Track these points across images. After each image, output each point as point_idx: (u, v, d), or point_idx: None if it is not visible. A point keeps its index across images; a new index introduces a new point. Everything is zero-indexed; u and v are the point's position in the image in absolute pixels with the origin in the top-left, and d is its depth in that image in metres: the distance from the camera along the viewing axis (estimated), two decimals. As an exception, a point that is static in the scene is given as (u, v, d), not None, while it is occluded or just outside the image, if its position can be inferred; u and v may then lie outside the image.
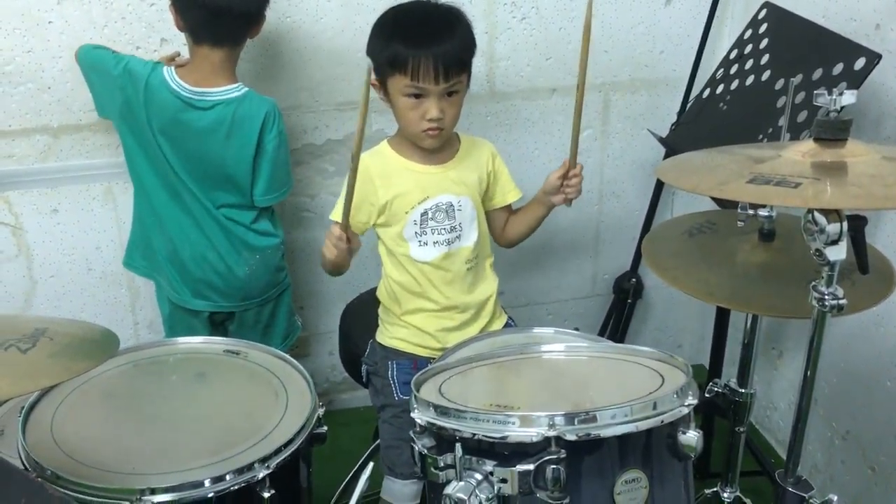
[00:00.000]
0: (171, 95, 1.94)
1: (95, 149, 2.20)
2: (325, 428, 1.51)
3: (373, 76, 1.70)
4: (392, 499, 1.77)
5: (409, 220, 1.75)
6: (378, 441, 1.86)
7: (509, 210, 1.93)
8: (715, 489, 1.78)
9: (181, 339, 1.75)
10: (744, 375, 1.68)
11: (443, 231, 1.77)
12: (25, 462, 1.35)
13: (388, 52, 1.65)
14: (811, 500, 1.35)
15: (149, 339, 2.31)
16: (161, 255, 2.09)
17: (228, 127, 1.95)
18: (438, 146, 1.75)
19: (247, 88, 1.97)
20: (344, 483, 2.10)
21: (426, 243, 1.77)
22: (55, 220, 2.26)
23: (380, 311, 1.92)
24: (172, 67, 1.96)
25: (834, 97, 1.22)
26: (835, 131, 1.21)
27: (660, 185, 2.50)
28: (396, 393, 1.79)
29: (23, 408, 1.47)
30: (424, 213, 1.76)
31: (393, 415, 1.78)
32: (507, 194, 1.90)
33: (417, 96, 1.65)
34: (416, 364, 1.78)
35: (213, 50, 1.91)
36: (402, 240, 1.77)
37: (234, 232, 2.06)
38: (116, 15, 2.09)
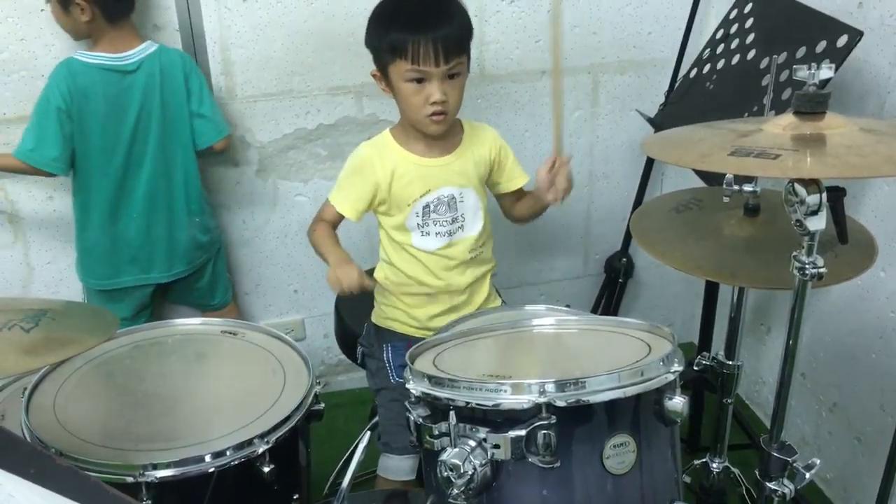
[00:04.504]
0: (101, 70, 2.02)
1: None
2: (323, 405, 1.55)
3: (372, 67, 1.72)
4: (389, 475, 1.80)
5: (412, 212, 1.76)
6: (375, 419, 1.89)
7: (520, 192, 1.91)
8: (704, 460, 1.83)
9: (179, 321, 1.78)
10: (731, 348, 1.71)
11: (444, 223, 1.78)
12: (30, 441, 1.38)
13: (387, 38, 1.65)
14: (795, 465, 1.38)
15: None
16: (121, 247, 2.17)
17: (160, 78, 2.07)
18: (443, 132, 1.73)
19: (156, 43, 2.10)
20: (341, 461, 2.14)
21: (428, 234, 1.78)
22: (51, 207, 2.28)
23: (375, 292, 1.94)
24: (80, 52, 2.04)
25: (813, 71, 1.25)
26: (814, 104, 1.24)
27: (649, 166, 2.53)
28: (392, 376, 1.81)
29: (25, 389, 1.50)
30: (426, 206, 1.76)
31: (391, 399, 1.79)
32: (514, 180, 1.89)
33: (419, 81, 1.65)
34: (410, 345, 1.80)
35: (125, 22, 2.06)
36: (404, 230, 1.78)
37: (182, 197, 2.19)
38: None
